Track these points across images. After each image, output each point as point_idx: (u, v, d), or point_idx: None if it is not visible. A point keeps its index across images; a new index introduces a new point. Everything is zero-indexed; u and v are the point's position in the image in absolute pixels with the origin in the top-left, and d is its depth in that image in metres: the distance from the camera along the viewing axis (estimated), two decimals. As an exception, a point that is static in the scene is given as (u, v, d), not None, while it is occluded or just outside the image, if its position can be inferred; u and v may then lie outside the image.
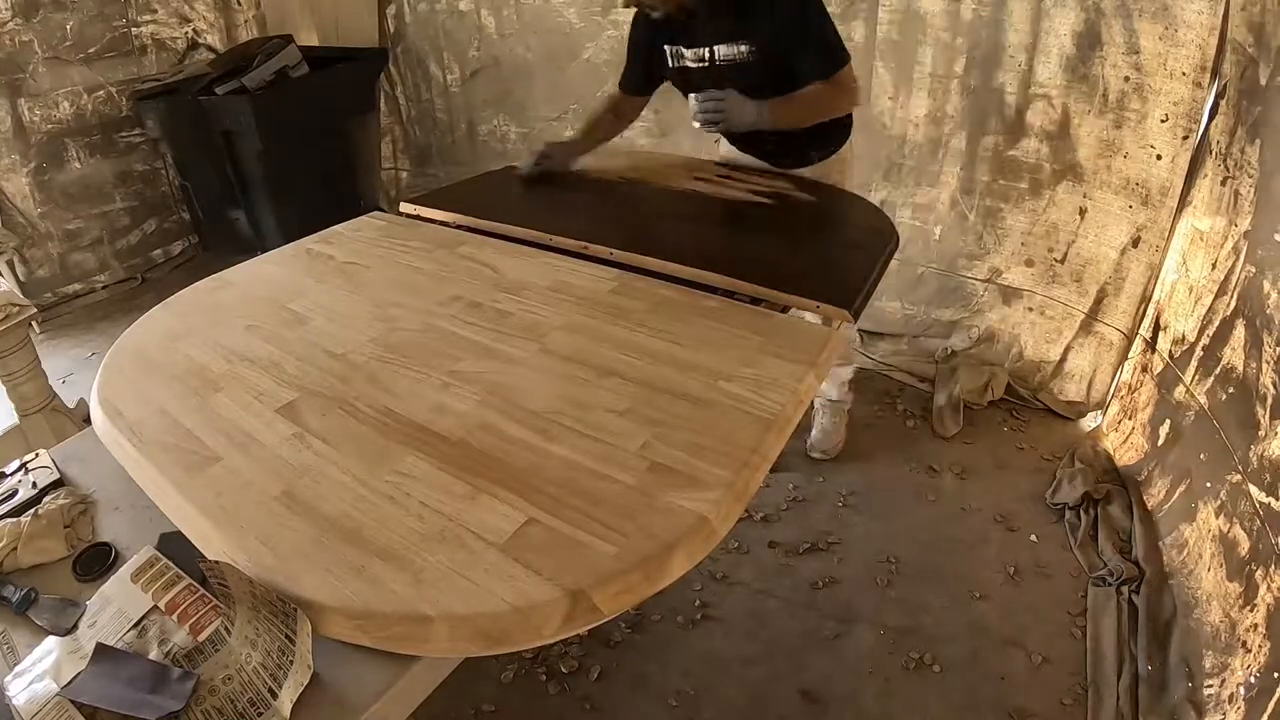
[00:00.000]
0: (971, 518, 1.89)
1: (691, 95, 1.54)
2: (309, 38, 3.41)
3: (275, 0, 3.53)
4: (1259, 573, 1.29)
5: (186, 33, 3.42)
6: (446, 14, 3.17)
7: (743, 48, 1.53)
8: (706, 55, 1.58)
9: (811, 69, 1.51)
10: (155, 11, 3.28)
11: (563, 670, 1.54)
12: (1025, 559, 1.76)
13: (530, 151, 1.81)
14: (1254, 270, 1.49)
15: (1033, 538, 1.81)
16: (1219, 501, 1.49)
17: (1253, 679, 1.20)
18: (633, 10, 1.67)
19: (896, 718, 1.45)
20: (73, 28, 3.01)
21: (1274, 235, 1.43)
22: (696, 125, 1.55)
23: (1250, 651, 1.24)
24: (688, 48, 1.61)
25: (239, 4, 3.54)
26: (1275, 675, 1.15)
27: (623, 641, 1.60)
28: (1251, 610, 1.27)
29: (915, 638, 1.58)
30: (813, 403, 2.02)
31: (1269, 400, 1.37)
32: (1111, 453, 2.02)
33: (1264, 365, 1.40)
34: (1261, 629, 1.24)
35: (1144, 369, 1.99)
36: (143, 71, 3.27)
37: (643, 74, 1.78)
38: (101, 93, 3.15)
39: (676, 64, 1.66)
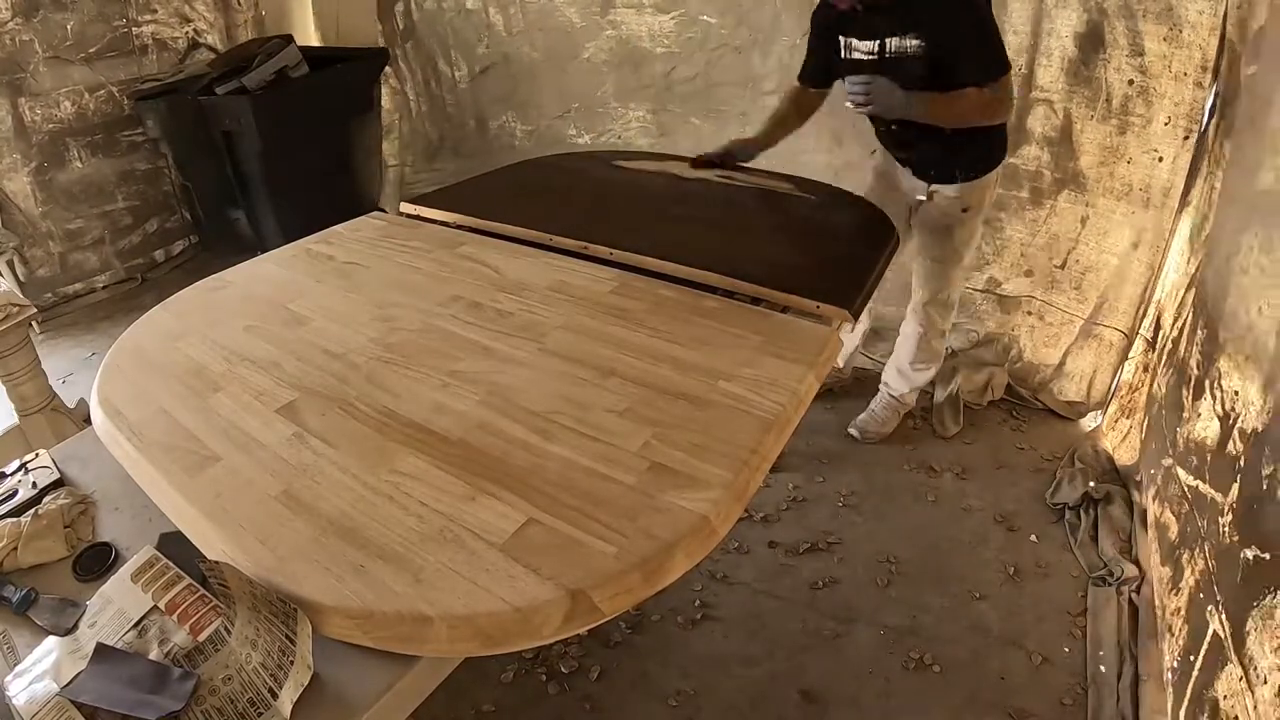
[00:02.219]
0: (971, 518, 1.89)
1: (852, 79, 1.59)
2: (309, 38, 3.41)
3: (275, 0, 3.53)
4: (1184, 556, 1.28)
5: (187, 33, 3.41)
6: (454, 11, 3.19)
7: (912, 41, 1.56)
8: (877, 48, 1.61)
9: (972, 71, 1.53)
10: (156, 11, 3.28)
11: (563, 670, 1.54)
12: (1025, 559, 1.76)
13: (718, 149, 1.90)
14: (1205, 259, 1.50)
15: (1033, 538, 1.81)
16: (1155, 487, 1.48)
17: (1175, 663, 1.20)
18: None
19: (896, 718, 1.45)
20: (73, 27, 3.01)
21: (1226, 222, 1.44)
22: (849, 106, 1.60)
23: (1174, 635, 1.24)
24: (860, 39, 1.64)
25: (239, 4, 3.54)
26: (1191, 659, 1.15)
27: (623, 641, 1.60)
28: (1177, 594, 1.27)
29: (915, 638, 1.58)
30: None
31: (1192, 381, 1.37)
32: (1111, 452, 2.02)
33: (1193, 347, 1.40)
34: (1183, 613, 1.23)
35: (1144, 368, 1.99)
36: (143, 71, 3.26)
37: (822, 65, 1.82)
38: (103, 92, 3.15)
39: (848, 55, 1.69)
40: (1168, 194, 1.87)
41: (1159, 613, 1.31)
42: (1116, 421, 2.06)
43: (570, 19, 2.85)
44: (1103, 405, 2.16)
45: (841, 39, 1.70)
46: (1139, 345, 2.04)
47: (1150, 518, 1.47)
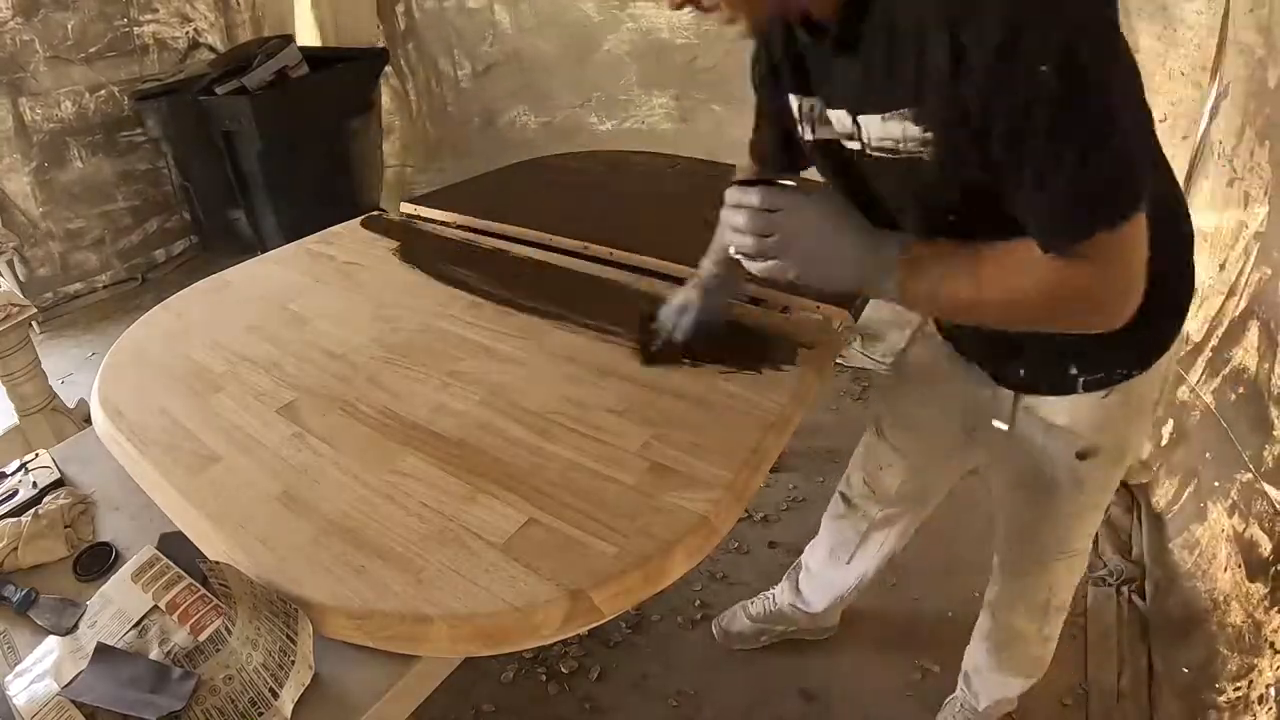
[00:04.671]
0: (972, 517, 1.89)
1: (731, 188, 0.78)
2: (309, 38, 3.41)
3: (275, 0, 3.53)
4: None
5: (187, 32, 3.42)
6: (455, 11, 3.22)
7: (914, 130, 0.68)
8: (852, 128, 0.75)
9: (1030, 215, 0.66)
10: (156, 11, 3.28)
11: (563, 670, 1.54)
12: (1025, 559, 1.75)
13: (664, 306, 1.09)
14: (1269, 271, 1.49)
15: (1033, 538, 1.81)
16: (1229, 501, 1.48)
17: None
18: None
19: (897, 718, 1.45)
20: (74, 27, 3.01)
21: None
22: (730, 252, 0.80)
23: (1278, 652, 1.23)
24: (832, 105, 0.77)
25: (239, 4, 3.54)
26: None
27: (623, 641, 1.60)
28: (1278, 611, 1.26)
29: (915, 638, 1.58)
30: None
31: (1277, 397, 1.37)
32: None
33: (1276, 366, 1.39)
34: None
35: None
36: (144, 71, 3.27)
37: (779, 140, 0.95)
38: (103, 92, 3.15)
39: (812, 133, 0.83)
40: (1168, 194, 1.86)
41: (1256, 628, 1.30)
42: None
43: (587, 14, 2.90)
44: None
45: (794, 101, 0.84)
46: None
47: (1226, 532, 1.46)
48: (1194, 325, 1.76)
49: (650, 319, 1.08)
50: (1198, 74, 1.72)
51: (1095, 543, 1.76)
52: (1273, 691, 1.21)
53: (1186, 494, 1.68)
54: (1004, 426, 0.95)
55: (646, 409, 0.95)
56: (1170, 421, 1.80)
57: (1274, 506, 1.33)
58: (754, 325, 1.16)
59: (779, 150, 0.98)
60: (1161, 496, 1.78)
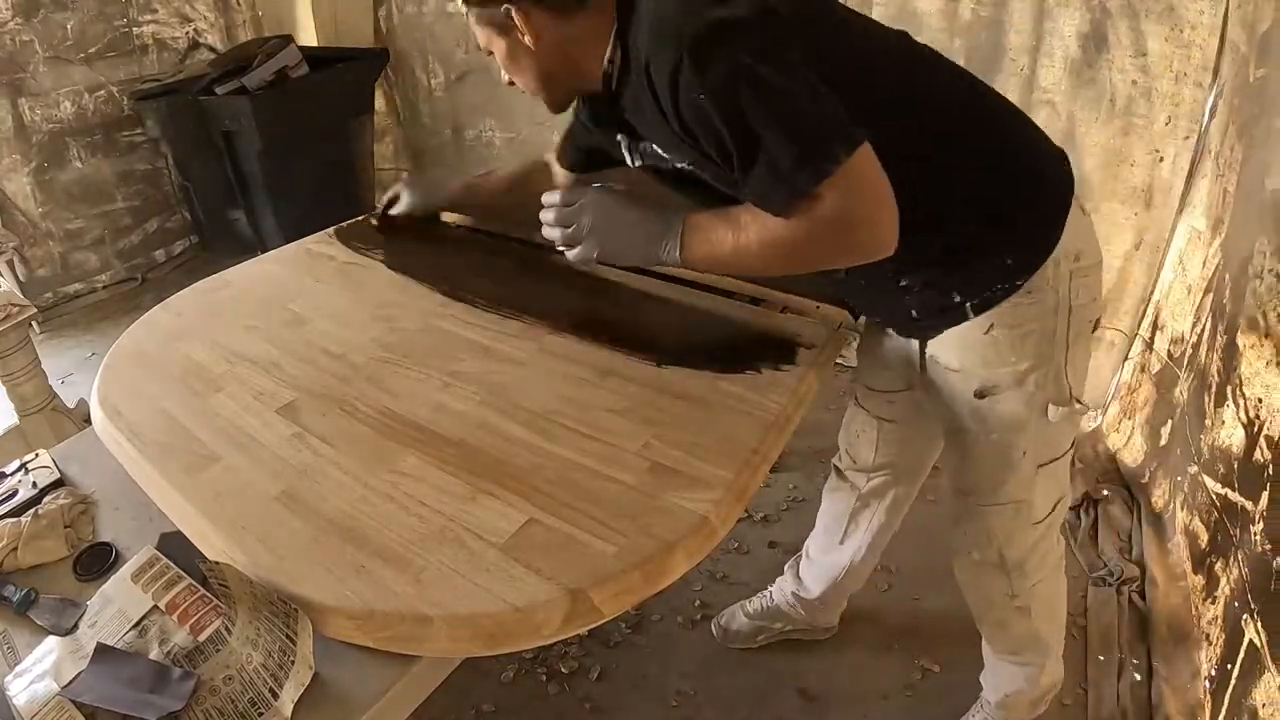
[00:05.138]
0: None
1: (546, 192, 0.99)
2: (308, 38, 3.41)
3: (275, 0, 3.53)
4: (1218, 564, 1.28)
5: (187, 32, 3.42)
6: (434, 16, 3.15)
7: (661, 151, 0.94)
8: (636, 156, 1.02)
9: (749, 186, 0.80)
10: (156, 11, 3.28)
11: (563, 670, 1.54)
12: (1025, 559, 1.75)
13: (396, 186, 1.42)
14: (1223, 262, 1.50)
15: (1033, 538, 1.81)
16: (1182, 495, 1.48)
17: (1213, 671, 1.20)
18: None
19: (897, 718, 1.45)
20: (74, 27, 3.01)
21: (1244, 228, 1.43)
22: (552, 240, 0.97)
23: (1211, 644, 1.24)
24: (626, 137, 1.01)
25: (239, 4, 3.54)
26: (1229, 668, 1.15)
27: (623, 641, 1.60)
28: (1213, 603, 1.27)
29: (916, 637, 1.58)
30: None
31: (1213, 388, 1.37)
32: (1114, 453, 2.02)
33: (1213, 354, 1.39)
34: (1219, 621, 1.23)
35: (1142, 369, 1.99)
36: (144, 71, 3.27)
37: (582, 153, 1.20)
38: (103, 92, 3.15)
39: (641, 159, 1.03)
40: (1168, 194, 1.87)
41: (1195, 620, 1.31)
42: (1120, 423, 2.06)
43: None
44: (1103, 406, 2.16)
45: (622, 140, 1.02)
46: (1138, 346, 2.04)
47: (1178, 524, 1.46)
48: (1187, 324, 1.76)
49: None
50: (1199, 74, 1.73)
51: (1095, 541, 1.77)
52: (1206, 684, 1.21)
53: (1171, 492, 1.68)
54: (920, 370, 1.04)
55: (646, 409, 0.95)
56: (1169, 422, 1.80)
57: (1212, 498, 1.33)
58: (754, 325, 1.16)
59: (580, 160, 1.20)
60: (1159, 497, 1.78)
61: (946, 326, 0.95)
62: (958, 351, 0.96)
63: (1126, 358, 2.08)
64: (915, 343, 1.03)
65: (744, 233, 0.83)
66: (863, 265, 0.84)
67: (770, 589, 1.58)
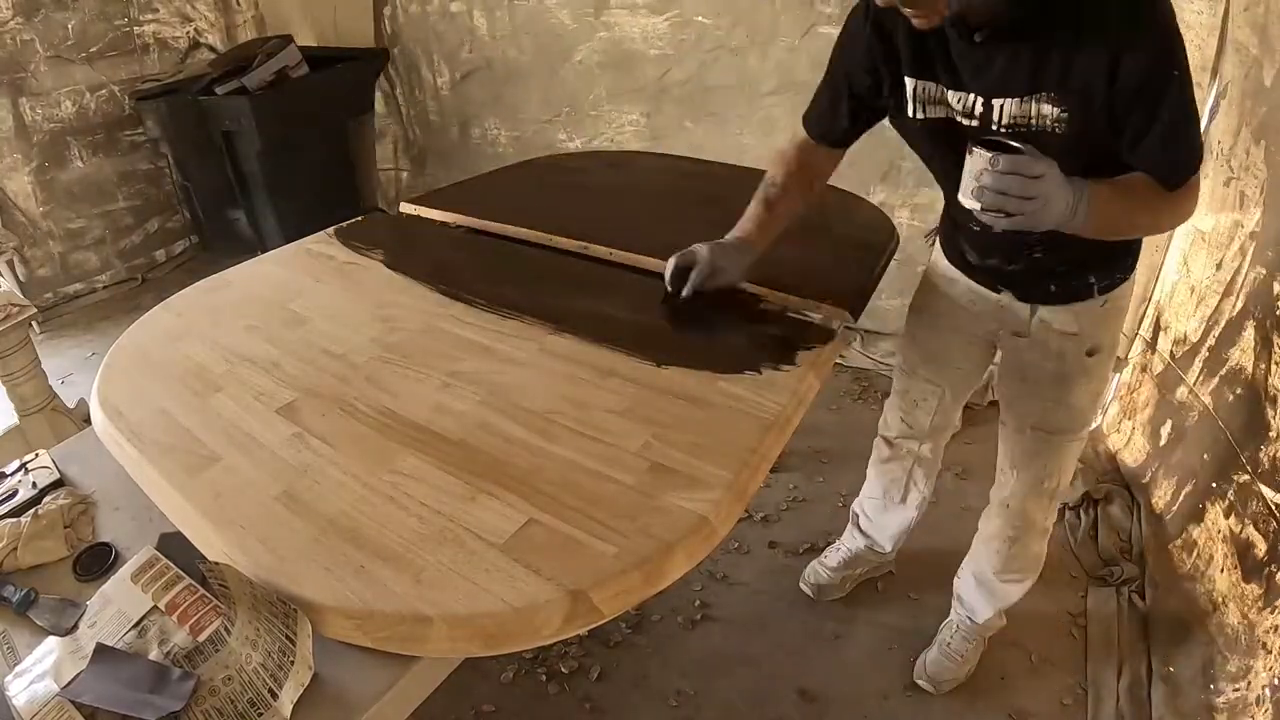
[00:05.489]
0: (972, 518, 1.88)
1: (976, 150, 0.87)
2: (308, 38, 3.42)
3: (275, 0, 3.53)
4: (1278, 574, 1.28)
5: (188, 32, 3.42)
6: (438, 15, 3.15)
7: (1051, 110, 0.92)
8: (980, 109, 0.97)
9: (1157, 165, 0.94)
10: (157, 11, 3.28)
11: (563, 670, 1.54)
12: (1025, 559, 1.75)
13: (678, 258, 1.20)
14: (1263, 271, 1.49)
15: (1033, 538, 1.81)
16: (1227, 502, 1.48)
17: (1277, 680, 1.20)
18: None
19: (897, 718, 1.45)
20: (74, 27, 3.01)
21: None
22: (968, 205, 0.89)
23: (1271, 653, 1.23)
24: (950, 88, 0.98)
25: (239, 4, 3.54)
26: None
27: (623, 641, 1.60)
28: (1272, 612, 1.26)
29: (915, 638, 1.58)
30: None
31: (1279, 401, 1.37)
32: (1114, 453, 2.02)
33: (1273, 366, 1.39)
34: (1278, 630, 1.23)
35: (1143, 369, 1.99)
36: (145, 71, 3.27)
37: (850, 115, 1.13)
38: (104, 92, 3.15)
39: (921, 112, 1.03)
40: (1168, 194, 1.86)
41: (1250, 629, 1.30)
42: (1120, 423, 2.06)
43: (562, 21, 2.81)
44: (1103, 406, 2.16)
45: (909, 81, 1.02)
46: (1138, 346, 2.04)
47: (1222, 532, 1.46)
48: (1191, 325, 1.76)
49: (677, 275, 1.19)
50: (1198, 74, 1.72)
51: (1095, 541, 1.77)
52: (1268, 692, 1.21)
53: (1184, 495, 1.68)
54: (1022, 333, 1.21)
55: (646, 409, 0.95)
56: (1169, 422, 1.80)
57: (1269, 507, 1.33)
58: (754, 325, 1.16)
59: (848, 125, 1.16)
60: (1160, 498, 1.78)
61: (1072, 301, 1.15)
62: (1075, 319, 1.16)
63: (1126, 358, 2.08)
64: (1024, 310, 1.19)
65: (1136, 198, 0.97)
66: (1050, 251, 1.08)
67: (841, 542, 1.73)
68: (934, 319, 1.34)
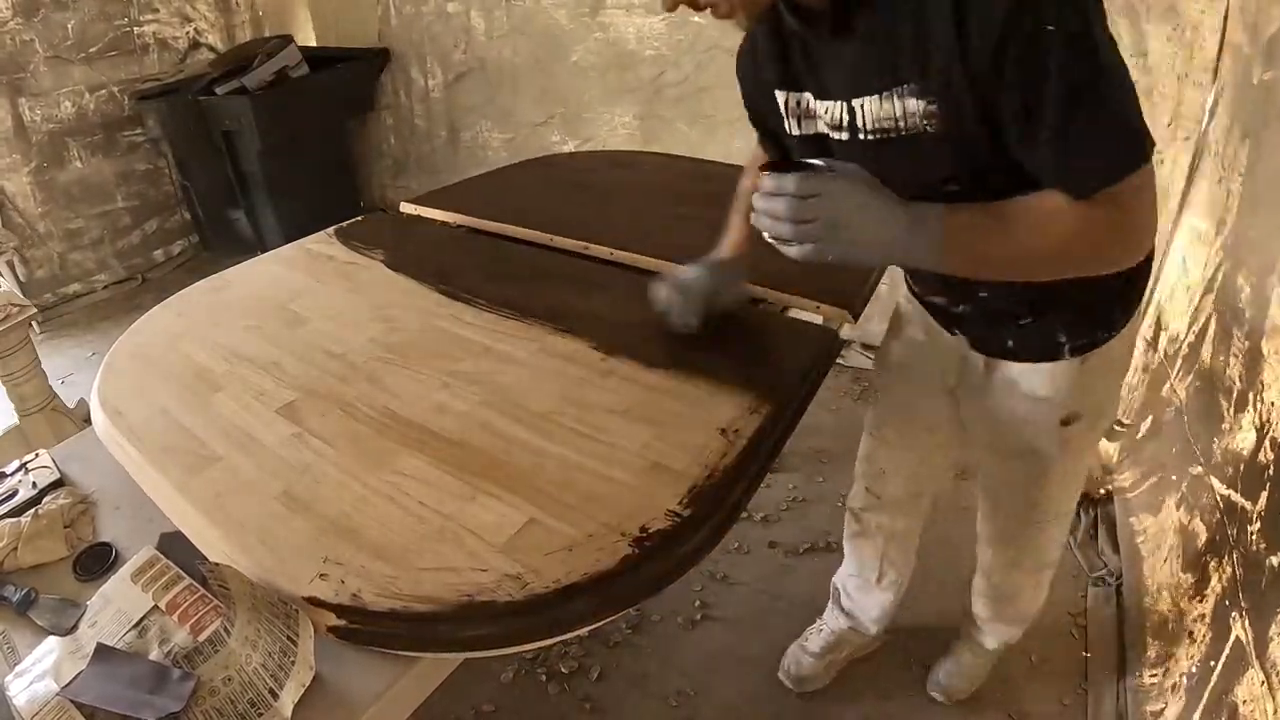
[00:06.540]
0: (971, 518, 1.88)
1: (764, 175, 0.75)
2: (308, 38, 3.42)
3: (275, 0, 3.53)
4: (1213, 563, 1.29)
5: (188, 32, 3.42)
6: (434, 16, 3.12)
7: (918, 105, 0.73)
8: (845, 117, 0.81)
9: (1056, 168, 0.70)
10: (157, 11, 3.28)
11: (563, 670, 1.54)
12: (1025, 559, 1.75)
13: (663, 282, 1.11)
14: (1229, 265, 1.50)
15: (1033, 538, 1.81)
16: (1179, 494, 1.49)
17: (1194, 668, 1.21)
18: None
19: (896, 718, 1.45)
20: (74, 27, 3.01)
21: (1249, 231, 1.43)
22: (762, 231, 0.79)
23: (1195, 641, 1.24)
24: (819, 98, 0.85)
25: (239, 4, 3.54)
26: (1211, 664, 1.16)
27: (623, 642, 1.60)
28: (1201, 600, 1.28)
29: (915, 638, 1.58)
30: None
31: (1234, 393, 1.37)
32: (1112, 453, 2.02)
33: (1231, 359, 1.39)
34: (1207, 619, 1.24)
35: (1144, 369, 1.99)
36: (144, 71, 3.27)
37: (777, 145, 1.03)
38: (103, 92, 3.15)
39: (801, 129, 0.90)
40: (1168, 195, 1.87)
41: (1180, 617, 1.31)
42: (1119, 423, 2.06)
43: (558, 21, 2.79)
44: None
45: (778, 95, 0.90)
46: (1139, 346, 2.04)
47: (1174, 524, 1.46)
48: (1182, 324, 1.76)
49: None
50: (1199, 74, 1.73)
51: (1095, 540, 1.77)
52: (1184, 680, 1.21)
53: (1146, 485, 1.69)
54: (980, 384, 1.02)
55: (646, 409, 0.95)
56: (1150, 416, 1.81)
57: (1216, 500, 1.33)
58: (754, 325, 1.16)
59: (776, 149, 1.04)
60: (1130, 492, 1.78)
61: (1039, 360, 0.94)
62: (1047, 379, 0.95)
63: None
64: (980, 364, 1.00)
65: (1017, 225, 0.72)
66: (999, 298, 0.88)
67: (821, 622, 1.54)
68: (900, 363, 1.17)
